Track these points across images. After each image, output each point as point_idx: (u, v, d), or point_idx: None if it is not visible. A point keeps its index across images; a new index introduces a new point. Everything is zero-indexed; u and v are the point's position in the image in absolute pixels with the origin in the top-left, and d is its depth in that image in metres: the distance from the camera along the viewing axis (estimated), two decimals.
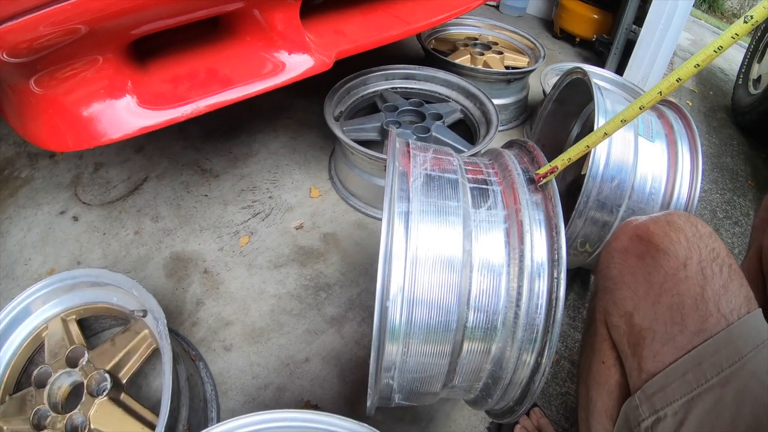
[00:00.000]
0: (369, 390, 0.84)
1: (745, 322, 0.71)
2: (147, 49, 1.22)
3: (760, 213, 1.07)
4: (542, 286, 0.80)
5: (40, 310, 1.25)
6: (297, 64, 1.32)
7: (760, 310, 0.73)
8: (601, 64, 2.95)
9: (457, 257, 0.80)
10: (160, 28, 1.12)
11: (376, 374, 0.83)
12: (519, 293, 0.81)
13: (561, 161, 0.87)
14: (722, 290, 0.73)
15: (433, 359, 0.83)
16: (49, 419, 1.08)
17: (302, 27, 1.33)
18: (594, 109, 1.33)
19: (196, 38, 1.29)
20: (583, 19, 3.28)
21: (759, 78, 3.07)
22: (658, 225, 0.81)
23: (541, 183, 0.89)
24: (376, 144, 1.87)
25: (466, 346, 0.83)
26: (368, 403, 0.87)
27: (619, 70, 2.89)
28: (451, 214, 0.82)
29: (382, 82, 2.09)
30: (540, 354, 0.82)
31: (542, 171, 0.89)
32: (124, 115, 1.13)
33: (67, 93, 1.09)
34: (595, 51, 3.23)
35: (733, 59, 4.69)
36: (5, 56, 0.93)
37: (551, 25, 3.62)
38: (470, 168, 0.95)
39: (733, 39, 0.66)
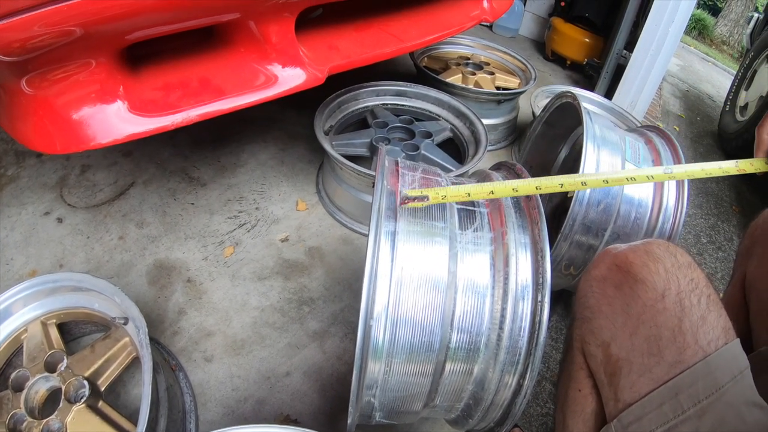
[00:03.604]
0: (350, 408, 0.84)
1: (722, 354, 0.71)
2: (140, 55, 1.21)
3: (744, 241, 1.07)
4: (526, 308, 0.81)
5: (20, 312, 1.23)
6: (290, 78, 1.32)
7: (738, 340, 0.73)
8: (591, 87, 2.99)
9: (442, 278, 0.80)
10: (155, 34, 1.11)
11: (358, 392, 0.82)
12: (503, 315, 0.81)
13: (435, 194, 0.85)
14: (700, 322, 0.73)
15: (415, 379, 0.83)
16: (25, 424, 1.06)
17: (297, 41, 1.33)
18: (582, 133, 1.35)
19: (190, 47, 1.28)
20: (574, 43, 3.33)
21: (746, 105, 3.12)
22: (637, 254, 0.80)
23: (404, 206, 0.85)
24: (365, 160, 1.87)
25: (448, 366, 0.83)
26: (349, 421, 0.86)
27: (609, 94, 2.93)
28: (437, 235, 0.83)
29: (373, 98, 2.10)
30: (522, 376, 0.82)
31: (412, 194, 0.86)
32: (114, 120, 1.12)
33: (57, 95, 1.08)
34: (586, 74, 3.28)
35: (721, 86, 4.77)
36: None
37: (543, 47, 3.67)
38: None
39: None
